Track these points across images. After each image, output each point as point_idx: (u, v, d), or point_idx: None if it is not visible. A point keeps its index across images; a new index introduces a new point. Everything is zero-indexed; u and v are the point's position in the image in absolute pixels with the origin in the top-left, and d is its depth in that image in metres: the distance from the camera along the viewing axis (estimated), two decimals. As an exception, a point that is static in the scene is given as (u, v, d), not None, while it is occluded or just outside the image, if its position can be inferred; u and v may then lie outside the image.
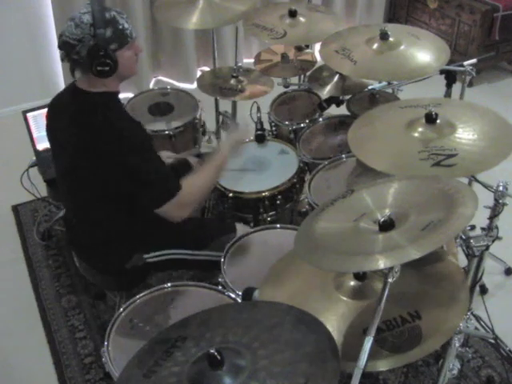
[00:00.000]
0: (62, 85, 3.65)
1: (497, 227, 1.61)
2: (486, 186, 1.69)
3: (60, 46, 1.76)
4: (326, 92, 2.59)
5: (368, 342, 1.22)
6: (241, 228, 2.11)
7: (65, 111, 1.86)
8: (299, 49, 2.94)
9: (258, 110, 2.55)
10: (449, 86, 2.25)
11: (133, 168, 1.75)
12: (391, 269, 1.23)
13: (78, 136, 1.80)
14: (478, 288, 1.83)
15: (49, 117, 1.98)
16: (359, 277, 1.50)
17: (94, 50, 1.71)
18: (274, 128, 2.77)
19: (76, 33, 1.70)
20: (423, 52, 2.09)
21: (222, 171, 1.97)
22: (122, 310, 1.71)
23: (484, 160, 1.55)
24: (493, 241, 1.60)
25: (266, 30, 2.49)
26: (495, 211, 1.58)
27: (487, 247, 1.60)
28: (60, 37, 1.75)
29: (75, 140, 1.82)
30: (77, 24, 1.70)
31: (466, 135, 1.64)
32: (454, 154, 1.56)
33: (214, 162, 1.94)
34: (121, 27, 1.75)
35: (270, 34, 2.46)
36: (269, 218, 2.31)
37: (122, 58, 1.77)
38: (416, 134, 1.68)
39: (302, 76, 3.04)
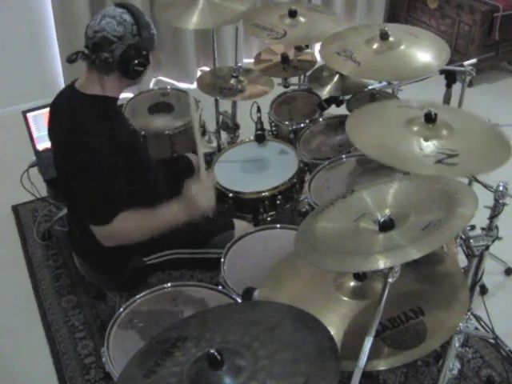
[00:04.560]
0: (61, 85, 3.65)
1: (497, 227, 1.61)
2: (486, 186, 1.69)
3: (93, 43, 1.71)
4: (325, 92, 2.59)
5: (368, 342, 1.22)
6: (239, 224, 2.10)
7: (60, 112, 1.86)
8: (299, 49, 2.93)
9: (258, 110, 2.55)
10: (449, 86, 2.25)
11: (77, 181, 1.75)
12: (391, 269, 1.23)
13: (60, 138, 1.82)
14: (478, 288, 1.83)
15: (49, 117, 1.98)
16: (359, 277, 1.50)
17: (133, 49, 1.72)
18: (273, 128, 2.77)
19: (118, 30, 1.70)
20: (423, 52, 2.09)
21: (176, 222, 1.83)
22: (122, 309, 1.71)
23: (484, 162, 1.55)
24: (493, 241, 1.60)
25: (265, 30, 2.48)
26: (495, 211, 1.58)
27: (487, 247, 1.60)
28: (97, 32, 1.70)
29: (58, 142, 1.84)
30: (119, 21, 1.70)
31: (463, 138, 1.63)
32: (455, 154, 1.56)
33: (171, 212, 1.84)
34: (152, 32, 1.78)
35: (270, 34, 2.46)
36: (269, 218, 2.31)
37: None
38: (415, 131, 1.67)
39: (302, 76, 3.04)
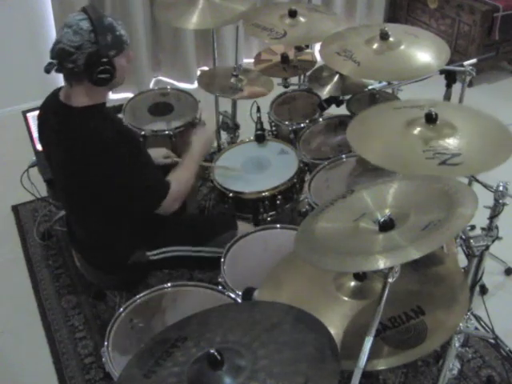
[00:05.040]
0: (61, 85, 3.64)
1: (497, 227, 1.61)
2: (486, 186, 1.69)
3: (55, 55, 1.70)
4: (326, 92, 2.59)
5: (368, 342, 1.22)
6: (242, 226, 2.11)
7: (50, 125, 1.85)
8: (299, 49, 2.93)
9: (258, 109, 2.55)
10: (449, 86, 2.25)
11: (122, 182, 1.76)
12: (391, 269, 1.23)
13: (64, 157, 1.80)
14: (477, 288, 1.83)
15: (38, 124, 1.96)
16: (359, 277, 1.50)
17: (95, 57, 1.68)
18: (273, 128, 2.77)
19: (75, 40, 1.66)
20: (423, 52, 2.09)
21: (198, 164, 2.07)
22: (122, 309, 1.71)
23: (488, 158, 1.54)
24: (493, 241, 1.60)
25: (265, 30, 2.48)
26: (495, 211, 1.58)
27: (487, 247, 1.60)
28: (56, 44, 1.69)
29: (62, 159, 1.82)
30: (75, 31, 1.66)
31: (466, 134, 1.63)
32: (458, 153, 1.55)
33: (192, 158, 2.03)
34: (118, 33, 1.72)
35: (270, 34, 2.46)
36: (269, 218, 2.30)
37: (118, 65, 1.75)
38: (416, 134, 1.67)
39: (302, 76, 3.04)
